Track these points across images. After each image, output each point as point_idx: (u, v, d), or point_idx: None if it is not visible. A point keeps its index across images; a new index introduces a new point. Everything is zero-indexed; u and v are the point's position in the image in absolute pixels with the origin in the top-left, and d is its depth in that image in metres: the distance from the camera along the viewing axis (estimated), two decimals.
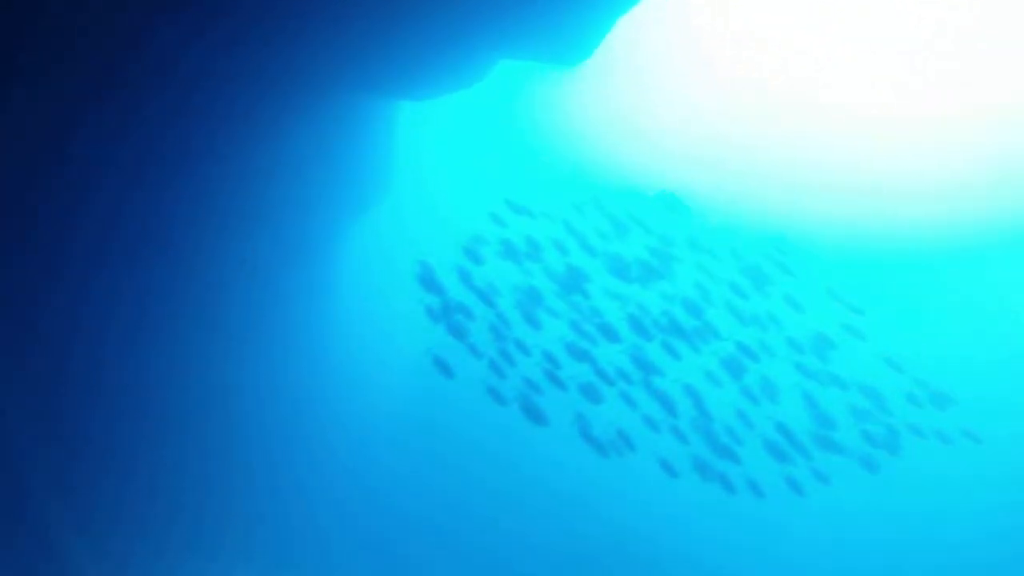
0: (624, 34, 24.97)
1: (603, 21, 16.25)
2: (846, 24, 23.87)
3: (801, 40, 24.61)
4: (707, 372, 17.16)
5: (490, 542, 23.67)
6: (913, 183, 26.02)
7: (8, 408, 12.96)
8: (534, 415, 15.31)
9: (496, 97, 28.68)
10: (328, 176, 17.98)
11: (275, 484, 19.86)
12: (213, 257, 16.00)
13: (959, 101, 23.92)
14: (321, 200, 18.30)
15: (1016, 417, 26.17)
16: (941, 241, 26.69)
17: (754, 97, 25.94)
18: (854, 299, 28.54)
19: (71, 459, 14.24)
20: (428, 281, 16.55)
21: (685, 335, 16.20)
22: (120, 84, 12.12)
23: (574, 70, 25.29)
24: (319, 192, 18.02)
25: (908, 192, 26.17)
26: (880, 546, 24.35)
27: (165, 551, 16.44)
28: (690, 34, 25.06)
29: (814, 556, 24.18)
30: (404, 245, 30.10)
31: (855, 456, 17.25)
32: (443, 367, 16.30)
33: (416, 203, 30.50)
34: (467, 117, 29.61)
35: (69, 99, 11.66)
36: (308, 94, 15.09)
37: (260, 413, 19.21)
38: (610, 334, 15.43)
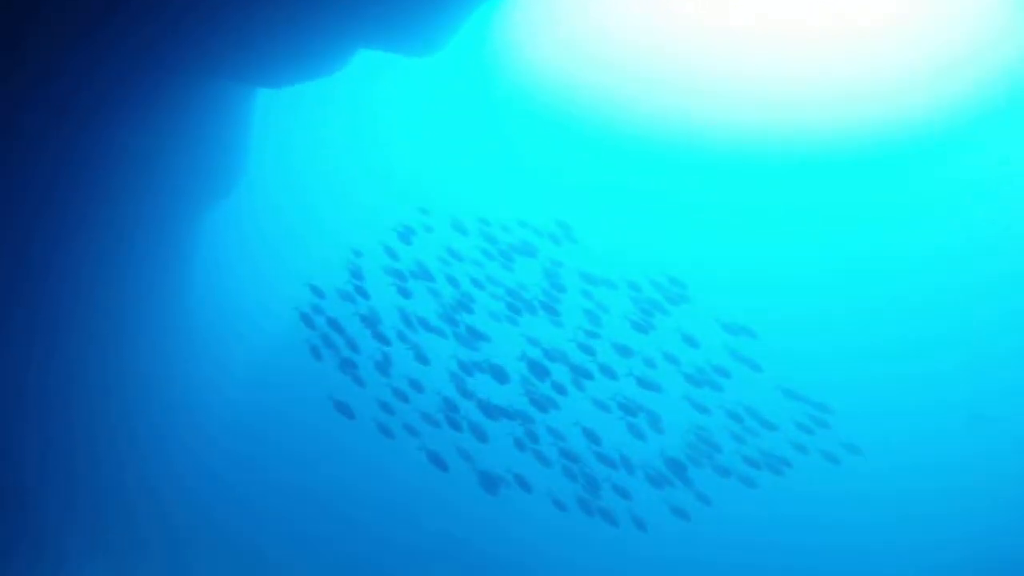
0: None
1: (459, 15, 16.13)
2: None
3: None
4: (596, 404, 16.55)
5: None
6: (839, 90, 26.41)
7: None
8: (436, 461, 14.77)
9: (356, 85, 27.84)
10: (182, 164, 17.59)
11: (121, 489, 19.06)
12: (56, 251, 15.19)
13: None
14: (174, 188, 17.86)
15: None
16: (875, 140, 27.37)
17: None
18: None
19: None
20: (309, 319, 15.42)
21: (577, 371, 15.53)
22: None
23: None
24: (171, 180, 17.54)
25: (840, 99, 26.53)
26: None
27: (13, 553, 15.80)
28: None
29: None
30: (261, 235, 28.88)
31: (736, 476, 17.17)
32: (344, 409, 15.42)
33: (273, 192, 29.33)
34: (327, 105, 28.57)
35: None
36: (160, 78, 14.51)
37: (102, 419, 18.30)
38: (499, 374, 14.55)
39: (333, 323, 15.60)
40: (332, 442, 24.65)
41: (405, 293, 15.77)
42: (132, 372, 19.27)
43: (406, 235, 16.42)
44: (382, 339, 15.19)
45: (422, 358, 15.82)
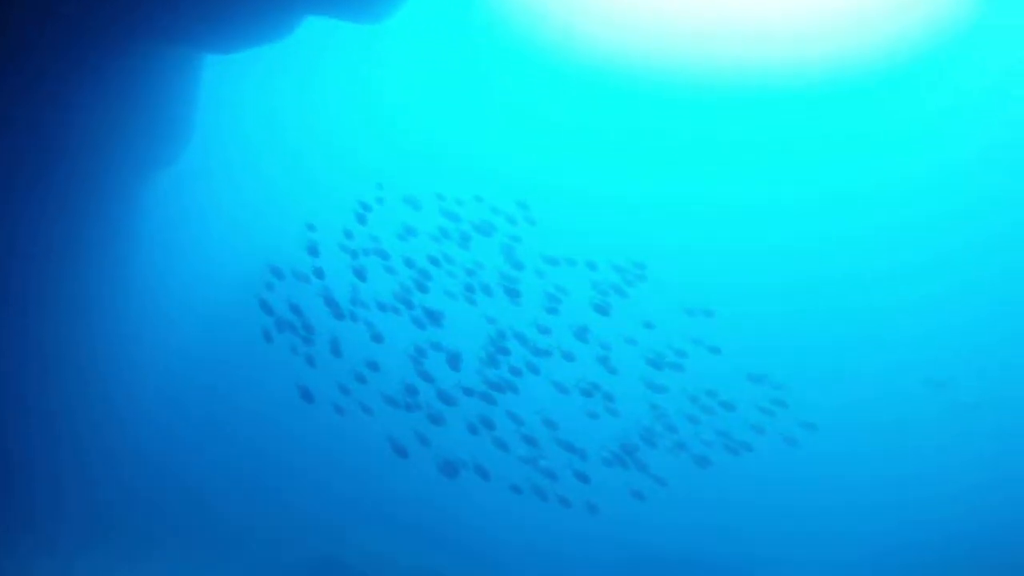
0: None
1: None
2: None
3: None
4: (555, 386, 16.26)
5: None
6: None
7: None
8: (398, 449, 14.49)
9: (313, 51, 27.09)
10: (125, 129, 17.08)
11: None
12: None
13: None
14: (118, 154, 17.51)
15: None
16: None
17: None
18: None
19: None
20: (268, 305, 14.90)
21: (537, 354, 15.24)
22: None
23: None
24: (115, 145, 17.20)
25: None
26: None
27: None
28: None
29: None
30: (210, 202, 28.10)
31: (692, 457, 17.12)
32: (305, 394, 14.96)
33: (223, 160, 28.52)
34: (275, 72, 27.79)
35: None
36: (104, 43, 14.23)
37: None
38: (455, 358, 14.16)
39: (290, 305, 15.16)
40: (280, 415, 24.26)
41: (361, 272, 15.28)
42: (79, 343, 18.78)
43: (363, 212, 15.91)
44: (340, 317, 14.77)
45: (377, 337, 15.41)
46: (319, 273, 15.28)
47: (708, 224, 30.82)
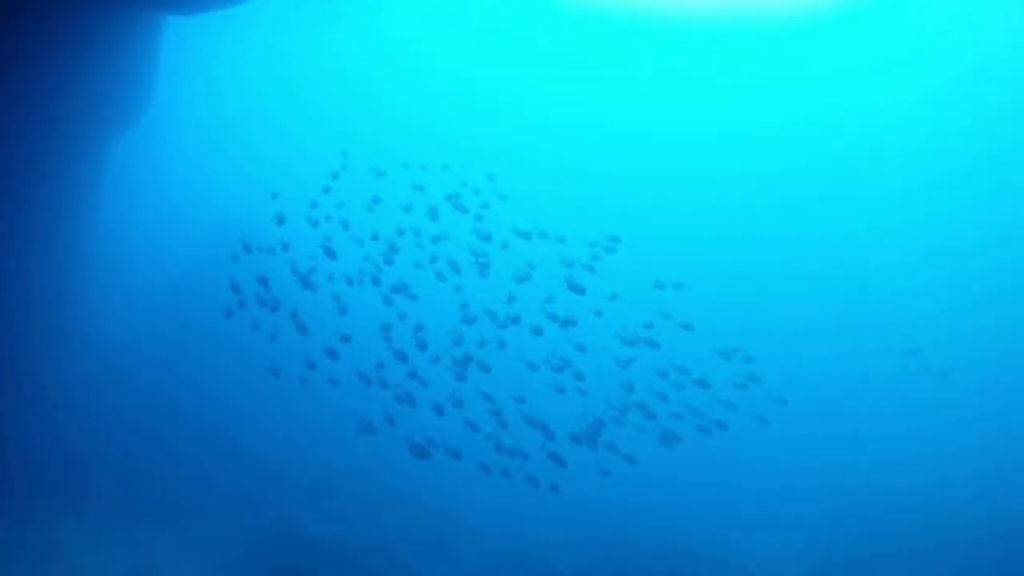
0: None
1: None
2: None
3: None
4: (526, 364, 16.04)
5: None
6: None
7: None
8: (367, 428, 14.12)
9: (270, 16, 26.35)
10: (84, 91, 16.71)
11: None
12: None
13: None
14: (77, 116, 17.09)
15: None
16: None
17: None
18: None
19: None
20: (238, 285, 14.48)
21: (505, 327, 14.94)
22: None
23: None
24: (75, 108, 16.79)
25: None
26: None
27: None
28: None
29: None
30: (171, 164, 27.48)
31: (663, 435, 16.98)
32: (274, 371, 14.69)
33: (184, 123, 27.84)
34: (238, 36, 27.04)
35: None
36: (65, 2, 13.82)
37: None
38: (421, 339, 13.84)
39: (261, 279, 14.81)
40: (237, 380, 23.95)
41: (330, 250, 14.90)
42: (42, 306, 18.56)
43: (329, 183, 15.54)
44: (310, 288, 14.44)
45: (343, 309, 15.07)
46: (285, 246, 14.95)
47: (686, 189, 30.60)
